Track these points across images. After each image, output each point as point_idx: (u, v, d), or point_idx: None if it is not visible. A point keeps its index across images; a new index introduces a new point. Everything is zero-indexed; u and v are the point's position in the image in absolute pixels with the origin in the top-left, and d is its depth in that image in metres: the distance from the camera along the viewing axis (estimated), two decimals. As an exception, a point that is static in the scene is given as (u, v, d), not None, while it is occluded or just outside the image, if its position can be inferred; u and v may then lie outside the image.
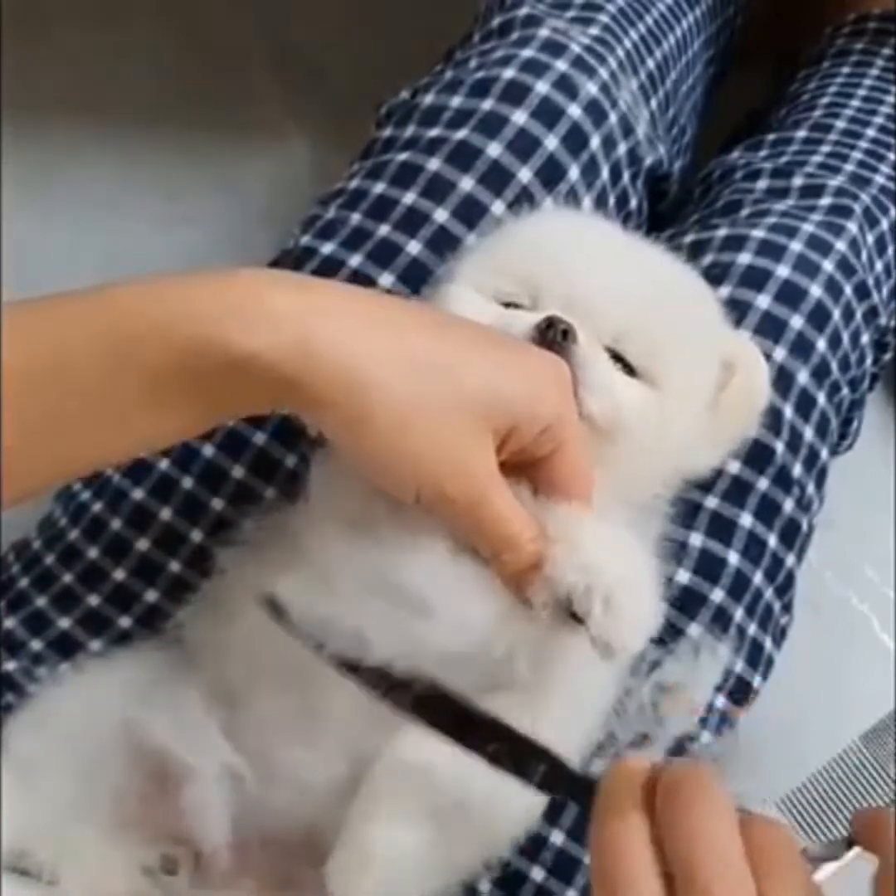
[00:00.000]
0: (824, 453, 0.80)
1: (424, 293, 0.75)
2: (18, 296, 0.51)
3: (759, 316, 0.77)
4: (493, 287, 0.66)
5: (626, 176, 0.84)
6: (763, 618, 0.76)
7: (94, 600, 0.76)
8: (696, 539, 0.73)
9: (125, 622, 0.75)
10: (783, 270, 0.79)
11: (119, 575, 0.76)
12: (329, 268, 0.76)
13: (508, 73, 0.80)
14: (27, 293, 0.52)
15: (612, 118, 0.82)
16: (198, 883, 0.65)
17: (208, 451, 0.75)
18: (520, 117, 0.78)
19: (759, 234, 0.81)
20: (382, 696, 0.51)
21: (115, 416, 0.51)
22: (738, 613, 0.74)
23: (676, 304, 0.67)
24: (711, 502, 0.74)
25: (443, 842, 0.59)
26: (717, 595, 0.73)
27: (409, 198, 0.77)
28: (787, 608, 0.79)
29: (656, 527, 0.68)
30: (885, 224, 0.87)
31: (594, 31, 0.85)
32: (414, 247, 0.76)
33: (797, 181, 0.89)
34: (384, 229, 0.77)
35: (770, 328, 0.77)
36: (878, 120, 0.96)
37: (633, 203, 0.86)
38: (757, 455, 0.75)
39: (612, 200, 0.83)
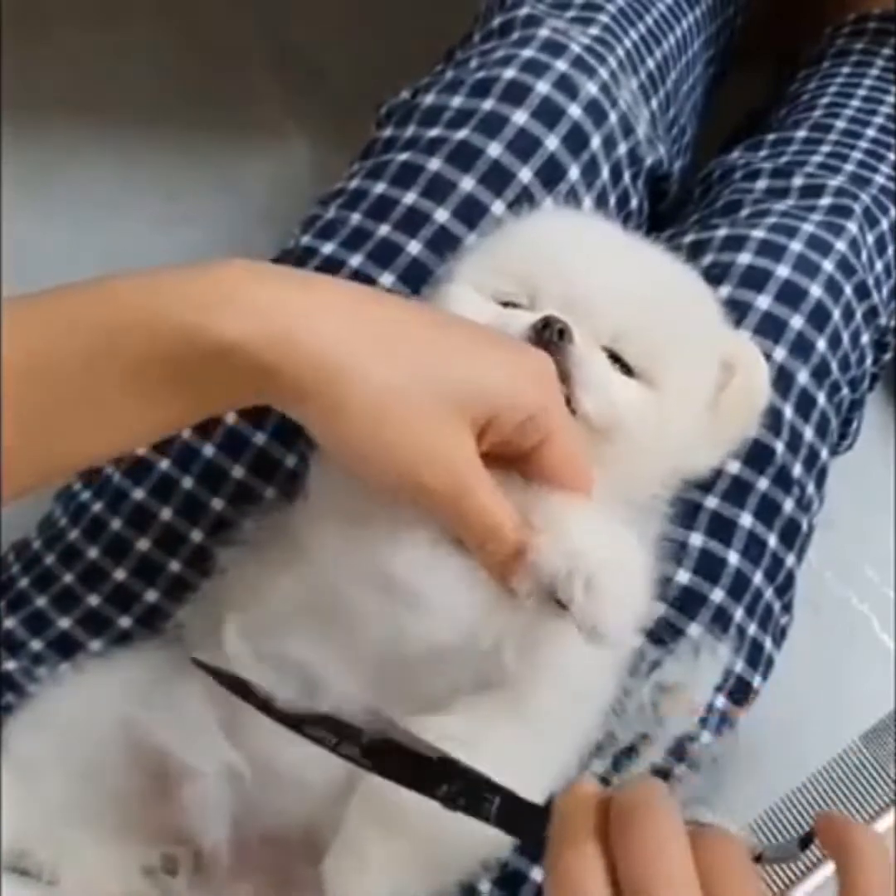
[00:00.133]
0: (824, 453, 0.80)
1: (424, 293, 0.75)
2: (19, 296, 0.52)
3: (759, 316, 0.77)
4: (492, 287, 0.66)
5: (626, 176, 0.84)
6: (763, 618, 0.76)
7: (94, 600, 0.76)
8: (697, 539, 0.73)
9: (125, 622, 0.76)
10: (783, 270, 0.79)
11: (119, 575, 0.76)
12: (329, 268, 0.76)
13: (509, 73, 0.80)
14: (27, 293, 0.52)
15: (613, 118, 0.82)
16: (198, 883, 0.65)
17: (208, 451, 0.76)
18: (520, 117, 0.78)
19: (759, 234, 0.81)
20: (332, 749, 0.52)
21: (105, 408, 0.51)
22: (738, 613, 0.74)
23: (676, 304, 0.67)
24: (711, 502, 0.74)
25: (441, 847, 0.59)
26: (717, 595, 0.73)
27: (410, 198, 0.77)
28: (787, 608, 0.79)
29: (655, 526, 0.68)
30: (885, 224, 0.87)
31: (594, 31, 0.85)
32: (414, 247, 0.76)
33: (797, 181, 0.89)
34: (384, 229, 0.77)
35: (770, 328, 0.77)
36: (878, 120, 0.96)
37: (634, 203, 0.86)
38: (757, 455, 0.75)
39: (612, 200, 0.83)
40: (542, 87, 0.79)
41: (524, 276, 0.65)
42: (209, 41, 1.39)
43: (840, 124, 0.96)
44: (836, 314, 0.80)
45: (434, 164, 0.77)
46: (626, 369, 0.64)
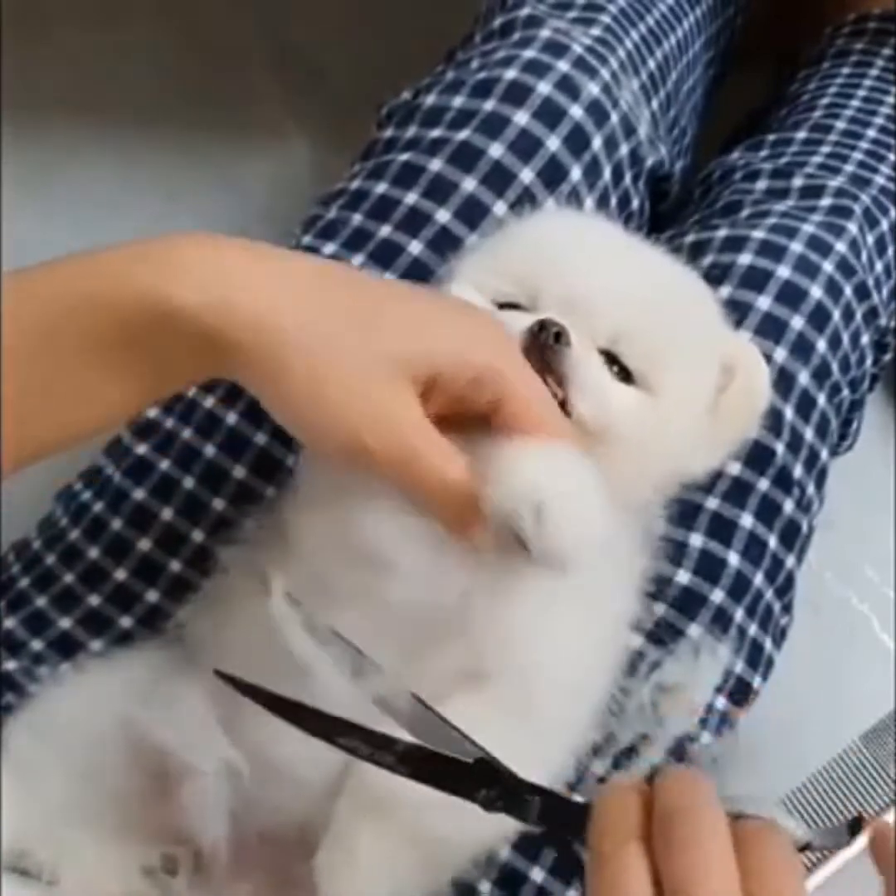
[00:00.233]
0: (824, 454, 0.80)
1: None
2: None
3: (759, 317, 0.77)
4: (493, 287, 0.66)
5: (627, 177, 0.84)
6: (763, 618, 0.76)
7: (94, 600, 0.76)
8: (697, 540, 0.73)
9: (126, 622, 0.76)
10: (783, 271, 0.79)
11: (120, 575, 0.76)
12: (331, 268, 0.76)
13: (510, 73, 0.80)
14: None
15: (614, 119, 0.82)
16: (197, 883, 0.65)
17: (209, 451, 0.76)
18: (522, 118, 0.78)
19: (759, 234, 0.82)
20: (367, 758, 0.52)
21: (67, 383, 0.52)
22: (739, 614, 0.74)
23: (676, 305, 0.67)
24: (712, 503, 0.74)
25: (430, 841, 0.59)
26: (718, 596, 0.73)
27: (411, 198, 0.77)
28: (787, 609, 0.79)
29: (652, 527, 0.68)
30: (885, 225, 0.87)
31: (595, 31, 0.85)
32: (415, 247, 0.76)
33: (797, 182, 0.89)
34: (386, 230, 0.77)
35: (771, 329, 0.77)
36: (879, 120, 0.96)
37: (635, 204, 0.86)
38: (757, 456, 0.75)
39: (613, 201, 0.83)
40: (544, 87, 0.79)
41: (525, 276, 0.65)
42: (209, 41, 1.39)
43: (840, 125, 0.96)
44: (837, 315, 0.80)
45: (435, 164, 0.77)
46: (625, 372, 0.64)
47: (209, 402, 0.77)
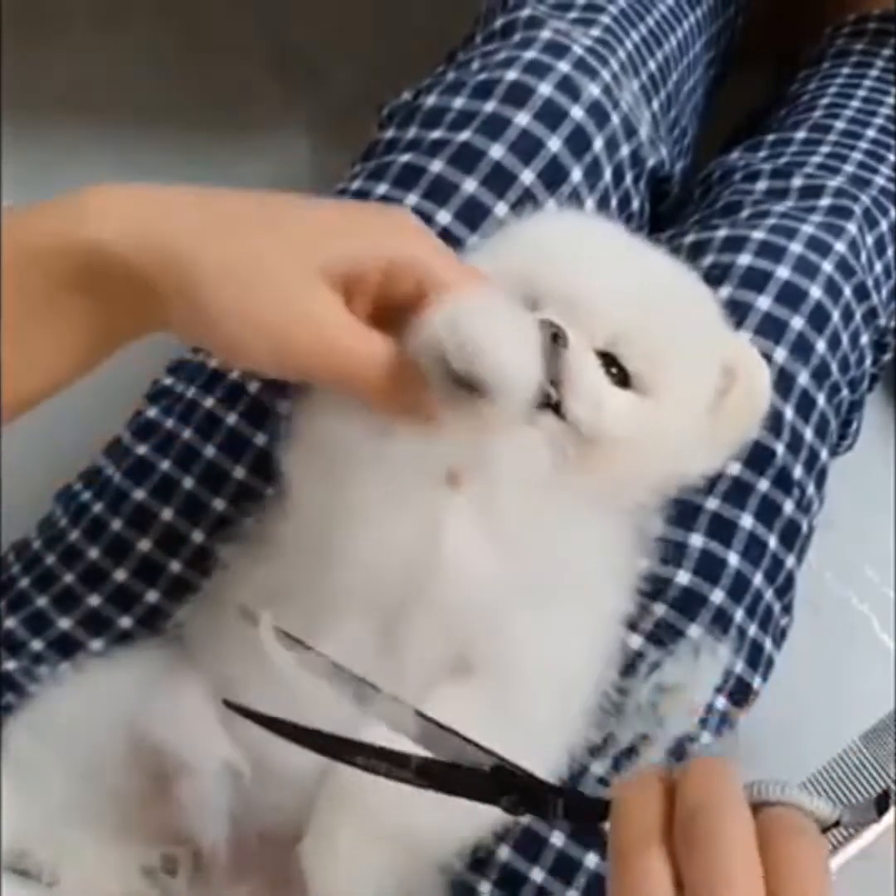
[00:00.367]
0: (824, 454, 0.80)
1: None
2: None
3: (759, 317, 0.77)
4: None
5: (628, 177, 0.84)
6: (763, 619, 0.76)
7: (94, 600, 0.76)
8: (697, 540, 0.74)
9: (126, 622, 0.76)
10: (783, 271, 0.79)
11: (120, 575, 0.76)
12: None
13: (511, 74, 0.80)
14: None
15: (615, 119, 0.82)
16: (197, 883, 0.65)
17: (209, 451, 0.76)
18: (522, 119, 0.78)
19: (758, 235, 0.82)
20: (386, 775, 0.52)
21: (28, 334, 0.55)
22: (739, 614, 0.74)
23: (676, 306, 0.67)
24: (712, 503, 0.74)
25: (413, 832, 0.59)
26: (718, 596, 0.73)
27: (412, 199, 0.76)
28: (787, 609, 0.79)
29: (648, 527, 0.68)
30: (884, 225, 0.87)
31: (596, 32, 0.85)
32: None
33: (797, 182, 0.89)
34: (386, 230, 0.77)
35: (770, 329, 0.77)
36: (878, 121, 0.96)
37: (636, 204, 0.86)
38: (757, 456, 0.75)
39: (614, 202, 0.83)
40: (545, 88, 0.79)
41: (525, 277, 0.65)
42: (209, 41, 1.39)
43: (840, 125, 0.96)
44: (836, 315, 0.80)
45: (436, 165, 0.77)
46: (624, 374, 0.64)
47: (209, 402, 0.77)
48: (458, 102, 0.80)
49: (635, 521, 0.67)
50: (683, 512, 0.73)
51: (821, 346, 0.78)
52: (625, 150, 0.83)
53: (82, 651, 0.75)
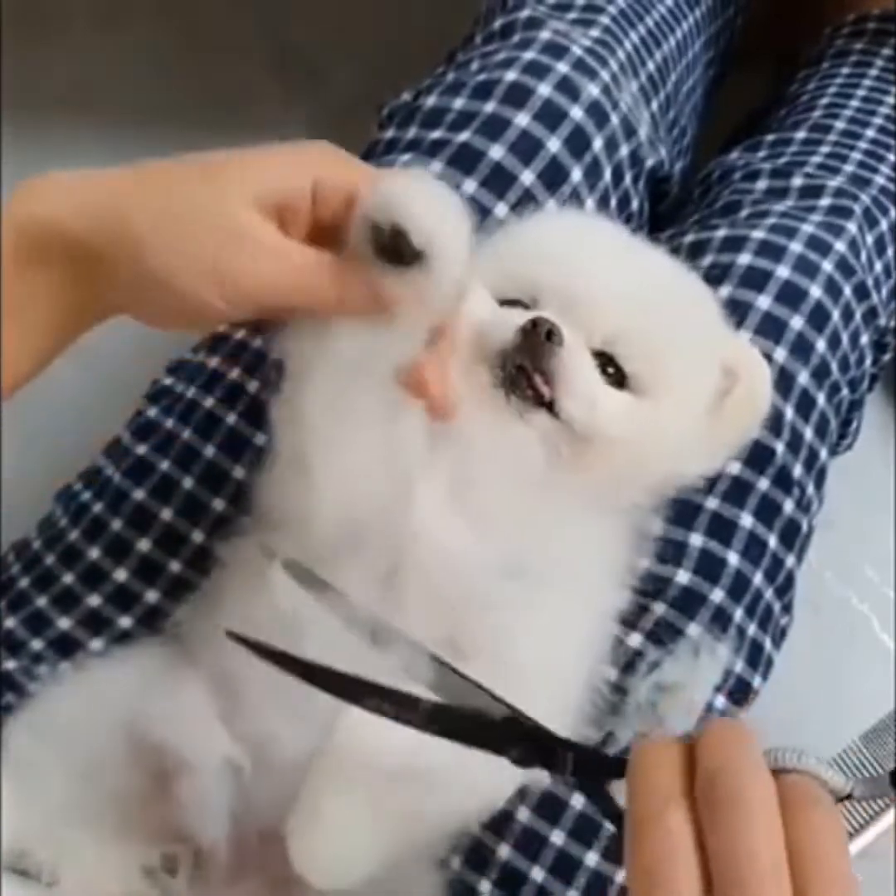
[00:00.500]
0: (824, 454, 0.80)
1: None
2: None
3: (759, 316, 0.77)
4: (495, 285, 0.66)
5: (627, 177, 0.84)
6: (763, 618, 0.76)
7: (94, 600, 0.76)
8: (697, 539, 0.74)
9: (125, 622, 0.76)
10: (783, 271, 0.79)
11: (120, 575, 0.76)
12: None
13: (510, 75, 0.80)
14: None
15: (614, 120, 0.82)
16: (198, 882, 0.65)
17: (209, 451, 0.76)
18: (522, 119, 0.78)
19: (758, 234, 0.82)
20: (396, 718, 0.51)
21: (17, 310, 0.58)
22: (738, 614, 0.74)
23: (675, 306, 0.67)
24: (712, 503, 0.74)
25: (397, 811, 0.59)
26: (717, 595, 0.73)
27: None
28: (786, 608, 0.79)
29: (645, 526, 0.68)
30: (884, 225, 0.87)
31: (595, 32, 0.85)
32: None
33: (796, 182, 0.89)
34: (386, 231, 0.77)
35: (770, 329, 0.77)
36: (878, 120, 0.96)
37: (635, 204, 0.86)
38: (757, 456, 0.75)
39: (613, 202, 0.83)
40: (544, 89, 0.79)
41: (526, 275, 0.65)
42: (209, 41, 1.39)
43: (839, 125, 0.96)
44: (836, 315, 0.80)
45: (436, 166, 0.77)
46: (620, 374, 0.64)
47: (209, 402, 0.77)
48: (458, 103, 0.80)
49: (632, 519, 0.67)
50: (683, 511, 0.73)
51: (821, 345, 0.78)
52: (624, 151, 0.83)
53: (82, 651, 0.75)
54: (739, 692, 0.74)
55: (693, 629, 0.72)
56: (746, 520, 0.75)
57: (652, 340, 0.64)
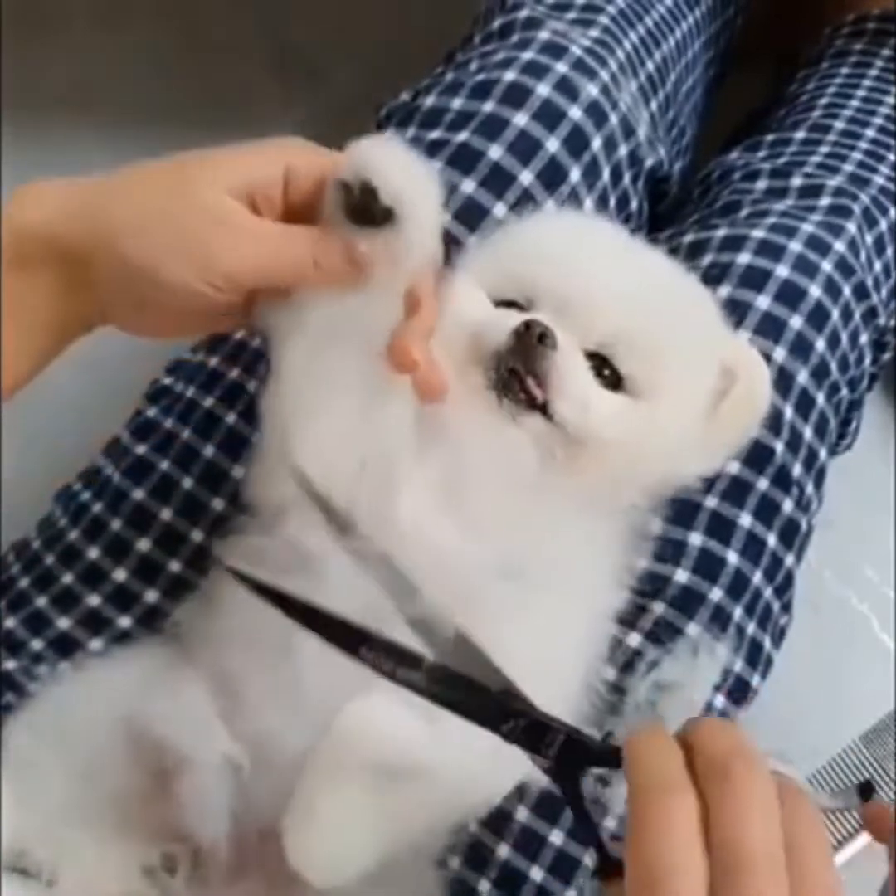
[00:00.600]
0: (823, 453, 0.80)
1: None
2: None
3: (758, 316, 0.77)
4: (493, 285, 0.66)
5: (626, 177, 0.84)
6: (762, 617, 0.76)
7: (94, 600, 0.76)
8: (696, 538, 0.74)
9: (125, 622, 0.76)
10: (782, 270, 0.79)
11: (119, 575, 0.76)
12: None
13: (509, 75, 0.80)
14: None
15: (613, 120, 0.82)
16: (197, 882, 0.65)
17: (208, 451, 0.76)
18: (521, 119, 0.78)
19: (758, 234, 0.82)
20: (389, 675, 0.50)
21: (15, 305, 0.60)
22: (737, 613, 0.74)
23: (672, 308, 0.67)
24: (711, 502, 0.74)
25: (393, 806, 0.58)
26: (716, 594, 0.73)
27: None
28: (786, 608, 0.79)
29: (641, 525, 0.68)
30: (884, 224, 0.87)
31: (594, 32, 0.85)
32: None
33: (796, 181, 0.89)
34: (385, 231, 0.77)
35: (769, 328, 0.77)
36: (878, 120, 0.96)
37: (634, 204, 0.86)
38: (756, 455, 0.75)
39: (612, 202, 0.83)
40: (543, 89, 0.79)
41: (522, 276, 0.65)
42: (209, 41, 1.39)
43: (839, 125, 0.96)
44: (835, 314, 0.80)
45: (434, 166, 0.77)
46: (616, 376, 0.64)
47: (208, 402, 0.77)
48: (457, 103, 0.80)
49: (630, 520, 0.67)
50: (682, 510, 0.73)
51: (820, 345, 0.78)
52: (623, 150, 0.83)
53: (82, 650, 0.75)
54: (739, 691, 0.74)
55: (692, 628, 0.72)
56: (745, 519, 0.75)
57: (648, 342, 0.64)
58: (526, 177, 0.77)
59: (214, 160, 0.61)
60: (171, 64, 1.36)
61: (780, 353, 0.77)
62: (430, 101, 0.81)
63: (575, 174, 0.79)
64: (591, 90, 0.81)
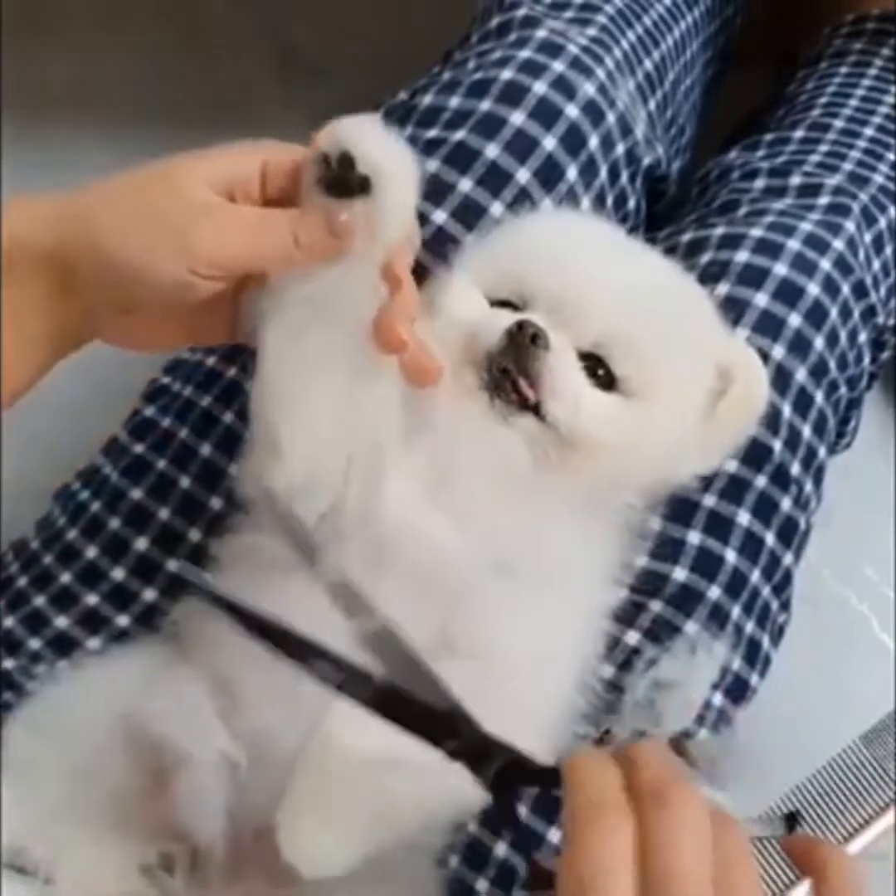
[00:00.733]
0: (822, 452, 0.80)
1: (423, 294, 0.75)
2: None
3: (756, 314, 0.77)
4: (488, 284, 0.66)
5: (624, 176, 0.84)
6: (760, 616, 0.76)
7: (92, 599, 0.76)
8: (694, 537, 0.74)
9: (123, 621, 0.76)
10: (781, 269, 0.79)
11: (117, 574, 0.76)
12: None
13: (506, 73, 0.80)
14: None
15: (610, 118, 0.82)
16: (195, 881, 0.65)
17: (206, 450, 0.76)
18: (518, 118, 0.78)
19: (756, 232, 0.82)
20: (337, 688, 0.51)
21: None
22: (736, 611, 0.74)
23: (667, 309, 0.67)
24: (709, 500, 0.74)
25: (382, 799, 0.59)
26: (715, 593, 0.73)
27: None
28: (784, 606, 0.79)
29: (637, 523, 0.68)
30: (883, 223, 0.87)
31: (591, 31, 0.85)
32: (413, 248, 0.76)
33: (795, 180, 0.89)
34: (383, 230, 0.77)
35: (768, 326, 0.77)
36: (877, 120, 0.96)
37: (631, 203, 0.86)
38: (755, 453, 0.75)
39: (610, 200, 0.83)
40: (540, 87, 0.79)
41: (518, 276, 0.65)
42: (209, 41, 1.39)
43: (838, 124, 0.96)
44: (834, 313, 0.80)
45: (432, 165, 0.77)
46: (610, 377, 0.64)
47: (206, 401, 0.77)
48: (454, 102, 0.80)
49: (626, 518, 0.67)
50: (681, 509, 0.73)
51: (819, 343, 0.78)
52: (620, 149, 0.83)
53: (80, 649, 0.75)
54: (737, 690, 0.74)
55: (690, 627, 0.72)
56: (744, 517, 0.75)
57: (642, 343, 0.64)
58: (523, 175, 0.77)
59: (194, 159, 0.62)
60: (171, 64, 1.36)
61: (778, 352, 0.77)
62: (427, 99, 0.81)
63: (572, 173, 0.79)
64: (588, 89, 0.81)
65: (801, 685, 0.99)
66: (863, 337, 0.83)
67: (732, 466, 0.75)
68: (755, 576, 0.75)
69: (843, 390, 0.82)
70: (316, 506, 0.62)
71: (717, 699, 0.73)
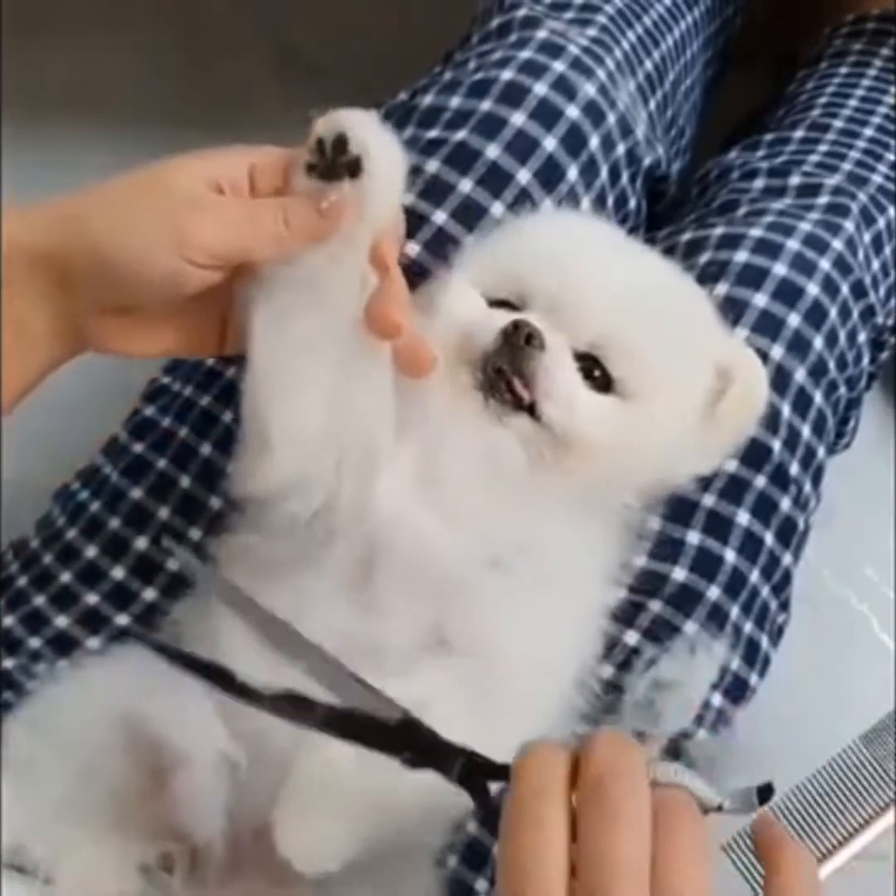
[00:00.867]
0: (821, 452, 0.80)
1: (422, 294, 0.75)
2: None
3: (756, 314, 0.77)
4: (487, 284, 0.66)
5: (624, 176, 0.84)
6: (759, 616, 0.76)
7: (92, 599, 0.76)
8: (694, 537, 0.74)
9: (123, 620, 0.76)
10: (780, 268, 0.79)
11: (117, 573, 0.76)
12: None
13: (507, 74, 0.80)
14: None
15: (611, 119, 0.82)
16: (194, 881, 0.65)
17: (206, 449, 0.76)
18: (518, 118, 0.78)
19: (756, 232, 0.82)
20: (294, 721, 0.52)
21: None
22: (735, 611, 0.74)
23: (665, 310, 0.67)
24: (708, 500, 0.74)
25: (378, 795, 0.59)
26: (714, 593, 0.73)
27: (407, 198, 0.76)
28: (783, 606, 0.79)
29: (636, 522, 0.68)
30: (882, 223, 0.87)
31: (592, 32, 0.85)
32: (412, 248, 0.76)
33: (794, 180, 0.89)
34: (383, 230, 0.77)
35: (767, 326, 0.77)
36: (876, 120, 0.96)
37: (632, 203, 0.86)
38: (754, 453, 0.75)
39: (610, 201, 0.83)
40: (540, 88, 0.79)
41: (517, 275, 0.66)
42: (209, 41, 1.39)
43: (838, 124, 0.96)
44: (833, 313, 0.80)
45: (432, 165, 0.77)
46: (606, 378, 0.64)
47: (205, 400, 0.78)
48: (454, 102, 0.80)
49: (624, 518, 0.67)
50: (680, 508, 0.73)
51: (818, 343, 0.78)
52: (621, 149, 0.83)
53: (80, 649, 0.75)
54: (736, 690, 0.74)
55: (689, 627, 0.72)
56: (743, 517, 0.75)
57: (639, 344, 0.64)
58: (523, 176, 0.77)
59: (187, 158, 0.62)
60: (171, 64, 1.36)
61: (777, 352, 0.77)
62: (427, 100, 0.81)
63: (572, 173, 0.79)
64: (589, 89, 0.81)
65: (801, 685, 0.99)
66: (862, 337, 0.83)
67: (732, 466, 0.75)
68: (754, 576, 0.75)
69: (842, 390, 0.82)
70: (309, 503, 0.62)
71: (717, 699, 0.73)
